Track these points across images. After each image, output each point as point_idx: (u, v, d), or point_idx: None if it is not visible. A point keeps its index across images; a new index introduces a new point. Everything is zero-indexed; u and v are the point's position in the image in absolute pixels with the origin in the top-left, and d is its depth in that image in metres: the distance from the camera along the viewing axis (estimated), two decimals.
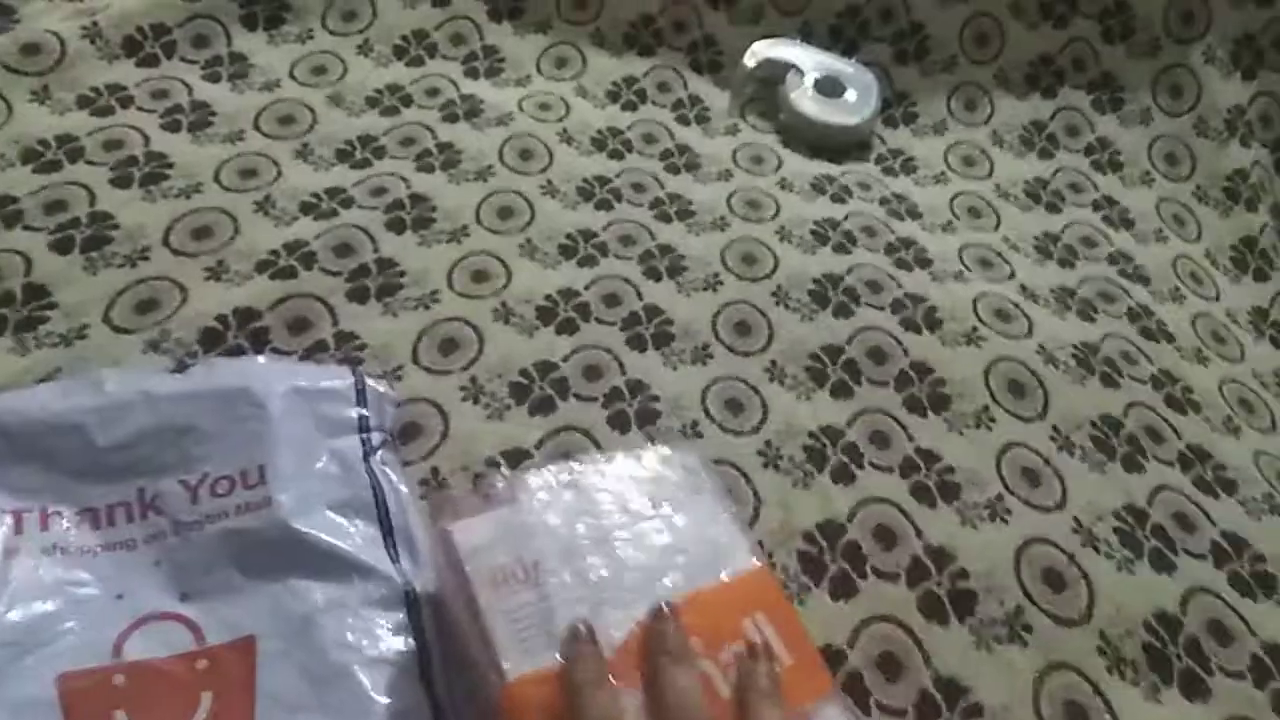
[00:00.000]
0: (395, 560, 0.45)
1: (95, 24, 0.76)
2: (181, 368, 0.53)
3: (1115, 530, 0.57)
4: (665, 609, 0.41)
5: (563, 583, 0.42)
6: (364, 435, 0.50)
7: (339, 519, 0.45)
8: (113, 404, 0.47)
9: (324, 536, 0.44)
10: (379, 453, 0.50)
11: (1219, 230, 0.84)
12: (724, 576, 0.44)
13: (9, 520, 0.44)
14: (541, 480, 0.46)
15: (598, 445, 0.56)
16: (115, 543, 0.44)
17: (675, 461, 0.48)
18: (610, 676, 0.39)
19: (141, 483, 0.46)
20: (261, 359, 0.56)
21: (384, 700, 0.40)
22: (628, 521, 0.45)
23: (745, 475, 0.56)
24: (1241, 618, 0.55)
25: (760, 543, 0.52)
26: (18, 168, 0.67)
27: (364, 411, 0.51)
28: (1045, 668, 0.50)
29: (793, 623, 0.43)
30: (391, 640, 0.42)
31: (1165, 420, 0.65)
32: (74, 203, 0.65)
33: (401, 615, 0.43)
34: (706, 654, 0.40)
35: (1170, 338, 0.72)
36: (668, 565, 0.44)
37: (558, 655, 0.39)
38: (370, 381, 0.53)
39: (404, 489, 0.50)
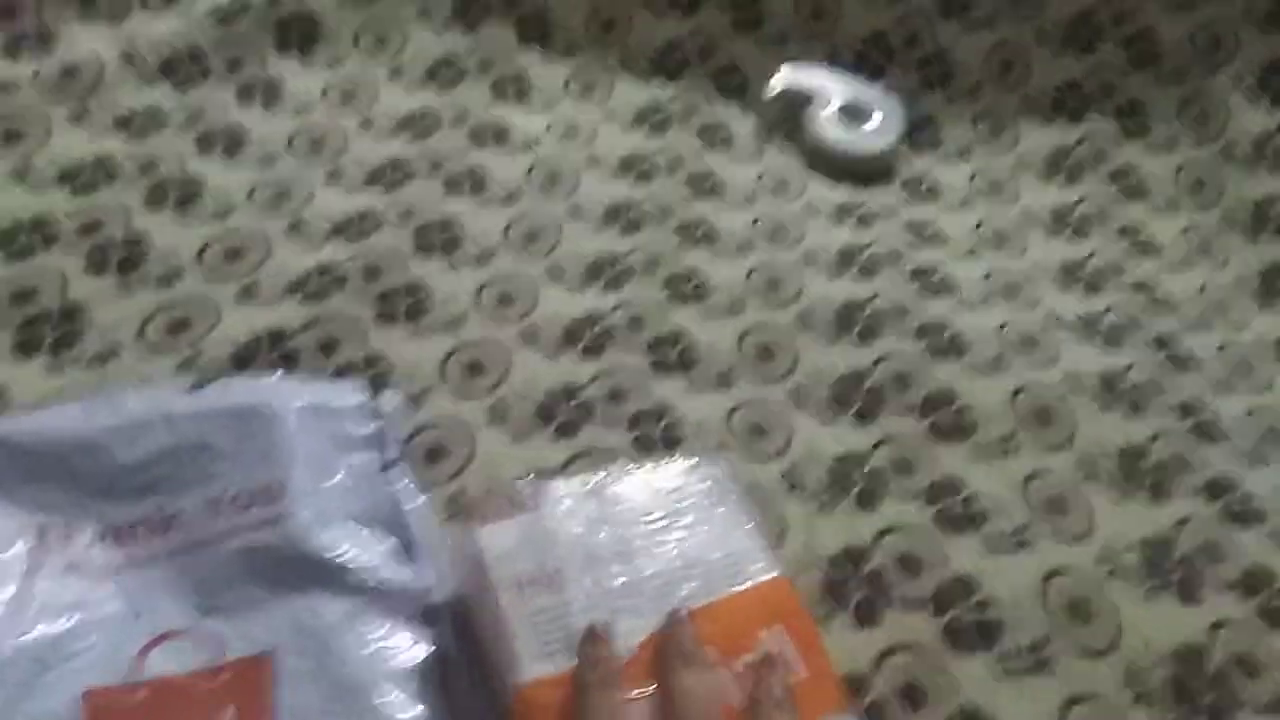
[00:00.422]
0: (414, 573, 0.46)
1: (133, 47, 0.78)
2: (199, 386, 0.54)
3: (1141, 561, 0.57)
4: (682, 613, 0.42)
5: (583, 589, 0.43)
6: (380, 451, 0.50)
7: (357, 533, 0.46)
8: (133, 423, 0.48)
9: (341, 551, 0.45)
10: (395, 467, 0.51)
11: (1246, 258, 0.84)
12: (742, 586, 0.44)
13: (32, 538, 0.45)
14: (566, 488, 0.47)
15: None
16: (136, 560, 0.45)
17: (700, 471, 0.49)
18: (622, 680, 0.39)
19: (161, 500, 0.46)
20: (277, 377, 0.57)
21: (404, 713, 0.41)
22: (649, 531, 0.46)
23: (768, 501, 0.56)
24: (1270, 650, 0.54)
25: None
26: (55, 188, 0.68)
27: (379, 427, 0.52)
28: (1070, 699, 0.50)
29: (811, 636, 0.44)
30: (411, 653, 0.43)
31: (1192, 450, 0.64)
32: (109, 224, 0.66)
33: (421, 627, 0.44)
34: (721, 663, 0.41)
35: (1197, 366, 0.72)
36: (687, 575, 0.44)
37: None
38: (384, 398, 0.54)
39: (421, 501, 0.50)
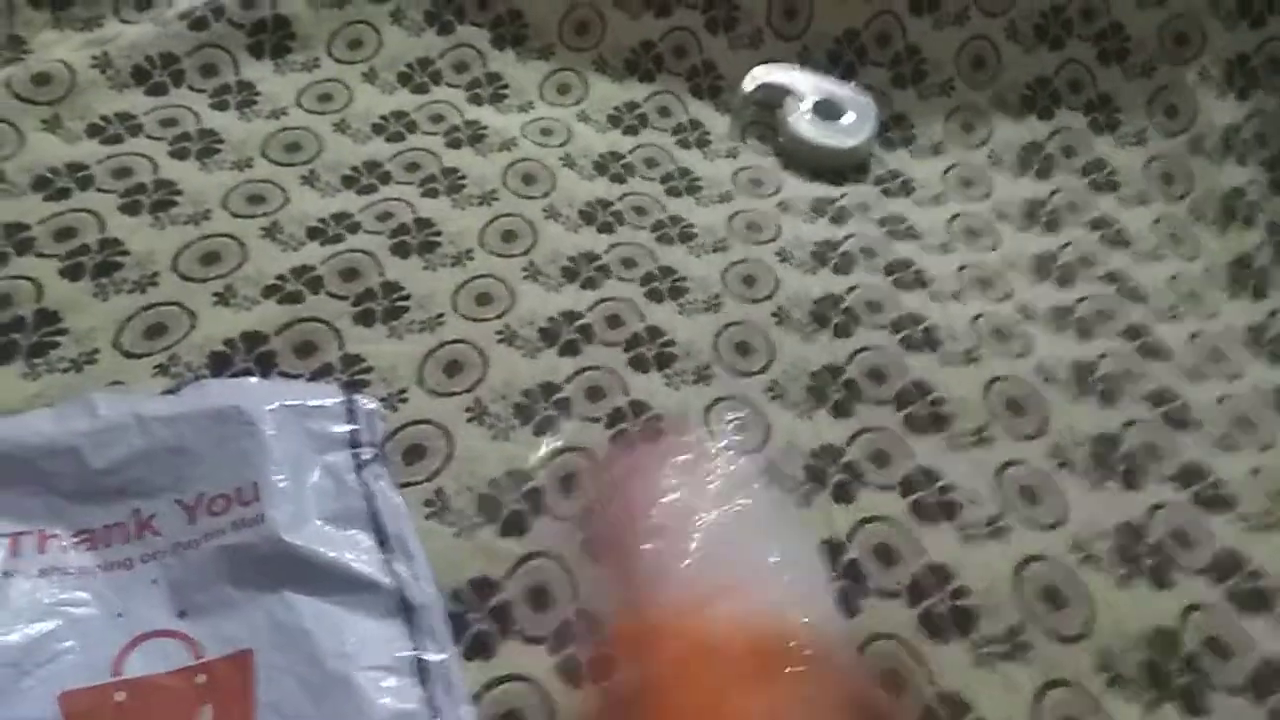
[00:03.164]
0: (390, 569, 0.46)
1: (105, 54, 0.78)
2: (175, 389, 0.54)
3: (1114, 547, 0.58)
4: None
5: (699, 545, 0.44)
6: (355, 450, 0.51)
7: (332, 531, 0.46)
8: (106, 427, 0.48)
9: (318, 549, 0.45)
10: (371, 466, 0.51)
11: (1215, 249, 0.85)
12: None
13: (6, 543, 0.45)
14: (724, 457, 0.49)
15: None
16: (113, 563, 0.45)
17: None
18: None
19: (137, 504, 0.47)
20: (252, 379, 0.57)
21: (382, 707, 0.41)
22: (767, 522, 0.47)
23: None
24: (1240, 633, 0.55)
25: None
26: (29, 195, 0.68)
27: (354, 427, 0.52)
28: (1045, 684, 0.51)
29: None
30: (388, 647, 0.43)
31: (1163, 437, 0.65)
32: (84, 229, 0.66)
33: (398, 622, 0.44)
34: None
35: (1168, 355, 0.72)
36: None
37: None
38: (359, 398, 0.54)
39: (398, 500, 0.51)
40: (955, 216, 0.83)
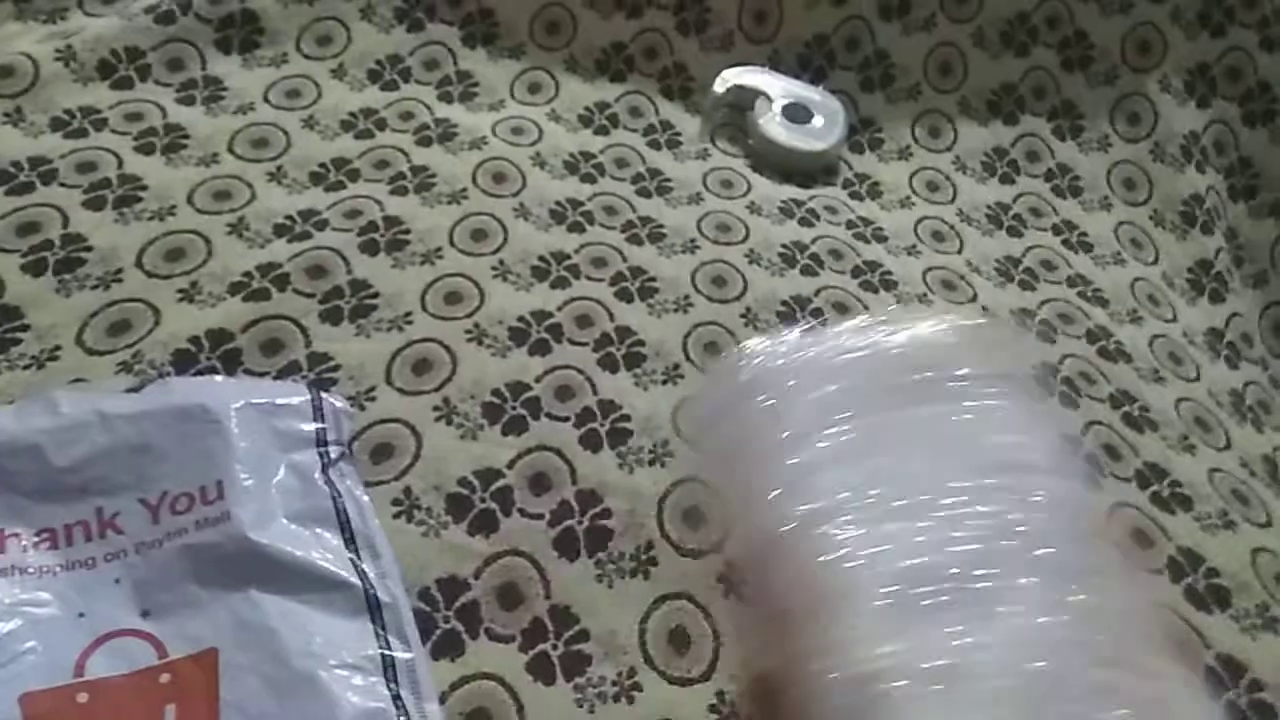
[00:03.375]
0: (358, 567, 0.46)
1: (69, 47, 0.76)
2: (138, 387, 0.53)
3: None
4: None
5: None
6: (321, 448, 0.50)
7: (299, 530, 0.46)
8: (68, 424, 0.48)
9: (284, 547, 0.45)
10: (338, 464, 0.51)
11: (1175, 254, 0.87)
12: None
13: None
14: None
15: (569, 465, 0.57)
16: (75, 562, 0.45)
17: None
18: None
19: (100, 502, 0.46)
20: (218, 377, 0.57)
21: (349, 706, 0.41)
22: None
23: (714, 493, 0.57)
24: (1197, 631, 0.56)
25: None
26: None
27: (321, 425, 0.52)
28: None
29: None
30: (355, 646, 0.43)
31: (1123, 438, 0.66)
32: (47, 225, 0.65)
33: (365, 620, 0.44)
34: None
35: (1128, 358, 0.74)
36: None
37: None
38: (326, 396, 0.54)
39: (365, 498, 0.51)
40: (921, 220, 0.84)
